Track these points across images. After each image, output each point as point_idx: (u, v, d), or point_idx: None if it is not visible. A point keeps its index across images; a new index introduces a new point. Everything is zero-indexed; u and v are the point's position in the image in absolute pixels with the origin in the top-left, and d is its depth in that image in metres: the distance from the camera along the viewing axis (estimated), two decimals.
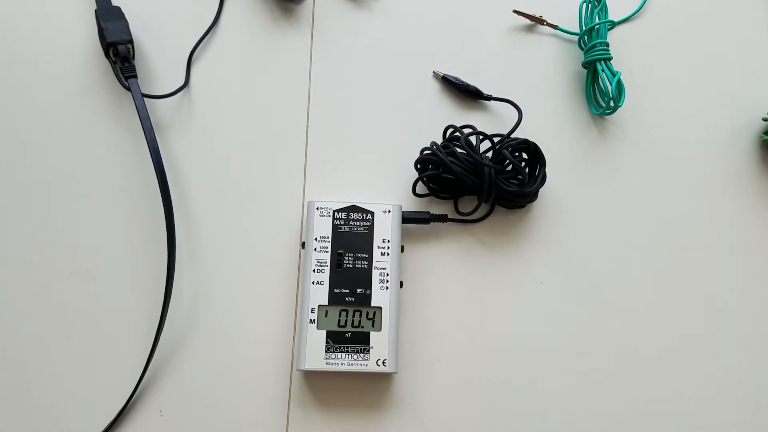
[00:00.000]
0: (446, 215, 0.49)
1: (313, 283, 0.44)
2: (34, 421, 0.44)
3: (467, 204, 0.50)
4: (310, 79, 0.53)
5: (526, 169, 0.48)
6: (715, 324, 0.49)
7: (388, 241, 0.46)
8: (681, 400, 0.48)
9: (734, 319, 0.50)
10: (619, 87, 0.50)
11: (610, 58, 0.51)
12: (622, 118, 0.53)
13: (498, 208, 0.50)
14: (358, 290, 0.45)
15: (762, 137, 0.52)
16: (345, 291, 0.44)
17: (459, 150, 0.48)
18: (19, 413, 0.44)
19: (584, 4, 0.52)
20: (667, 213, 0.51)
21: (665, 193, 0.52)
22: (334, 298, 0.44)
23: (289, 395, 0.46)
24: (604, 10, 0.52)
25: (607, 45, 0.51)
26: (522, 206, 0.50)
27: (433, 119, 0.53)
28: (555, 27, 0.55)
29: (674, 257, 0.50)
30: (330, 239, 0.45)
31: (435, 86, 0.54)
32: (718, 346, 0.49)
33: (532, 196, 0.49)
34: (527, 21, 0.55)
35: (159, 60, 0.53)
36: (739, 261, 0.51)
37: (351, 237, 0.45)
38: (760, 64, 0.55)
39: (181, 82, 0.52)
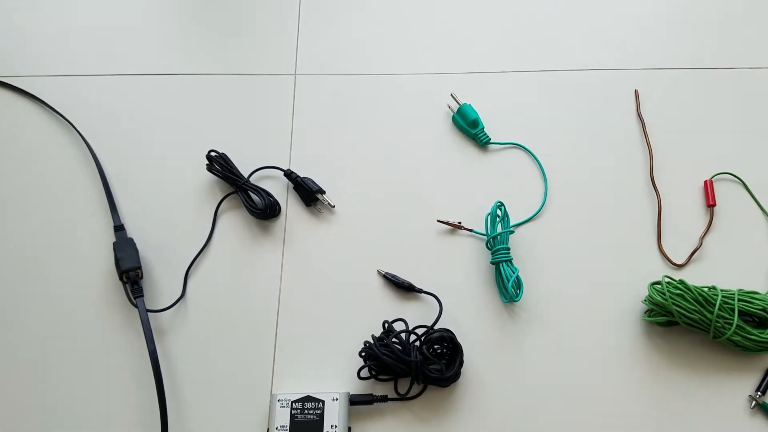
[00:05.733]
0: (386, 396, 0.61)
1: None
2: None
3: (406, 384, 0.61)
4: (280, 284, 0.67)
5: (444, 360, 0.60)
6: None
7: (336, 426, 0.57)
8: None
9: None
10: (518, 283, 0.63)
11: (510, 260, 0.64)
12: (527, 303, 0.65)
13: (431, 386, 0.62)
14: None
15: (644, 317, 0.63)
16: None
17: (394, 339, 0.61)
18: None
19: (489, 216, 0.66)
20: (569, 382, 0.62)
21: (566, 364, 0.63)
22: None
23: None
24: (506, 219, 0.66)
25: (508, 249, 0.65)
26: (447, 386, 0.61)
27: (378, 310, 0.66)
28: (471, 230, 0.69)
29: (579, 414, 0.60)
30: (288, 428, 0.57)
31: (379, 282, 0.67)
32: None
33: (454, 377, 0.60)
34: (449, 227, 0.69)
35: (162, 274, 0.68)
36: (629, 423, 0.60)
37: (305, 425, 0.57)
38: (639, 255, 0.67)
39: (179, 293, 0.67)
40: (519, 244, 0.68)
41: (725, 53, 0.75)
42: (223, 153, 0.69)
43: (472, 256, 0.68)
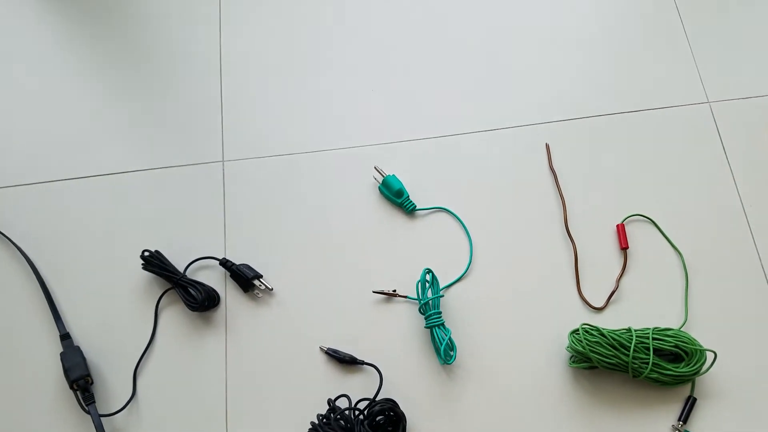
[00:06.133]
0: None
1: None
2: None
3: None
4: (226, 372, 0.70)
5: (390, 428, 0.63)
6: None
7: None
8: None
9: None
10: (451, 345, 0.67)
11: (442, 323, 0.68)
12: (463, 360, 0.69)
13: None
14: None
15: (569, 364, 0.68)
16: None
17: (338, 416, 0.64)
18: None
19: (419, 283, 0.70)
20: (505, 425, 0.67)
21: (503, 416, 0.67)
22: None
23: None
24: (435, 284, 0.70)
25: (439, 313, 0.68)
26: None
27: (323, 386, 0.68)
28: (405, 297, 0.72)
29: None
30: None
31: (323, 358, 0.70)
32: None
33: None
34: (385, 296, 0.73)
35: (112, 376, 0.69)
36: None
37: None
38: (561, 302, 0.71)
39: (130, 392, 0.69)
40: (451, 304, 0.72)
41: (623, 98, 0.81)
42: (156, 251, 0.71)
43: (409, 321, 0.72)
